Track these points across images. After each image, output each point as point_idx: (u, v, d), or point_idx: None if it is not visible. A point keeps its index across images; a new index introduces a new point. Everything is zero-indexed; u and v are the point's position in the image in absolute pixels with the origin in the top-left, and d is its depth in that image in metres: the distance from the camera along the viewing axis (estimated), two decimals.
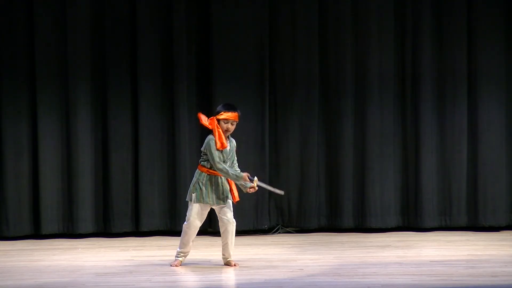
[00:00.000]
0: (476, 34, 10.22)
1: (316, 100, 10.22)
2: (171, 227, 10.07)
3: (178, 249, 7.95)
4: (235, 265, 7.89)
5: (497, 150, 10.25)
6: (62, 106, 10.05)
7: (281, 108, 10.26)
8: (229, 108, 7.82)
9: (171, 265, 7.92)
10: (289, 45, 10.22)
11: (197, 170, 7.85)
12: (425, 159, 10.21)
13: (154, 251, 9.05)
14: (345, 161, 10.23)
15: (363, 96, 10.24)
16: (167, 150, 10.14)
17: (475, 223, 10.25)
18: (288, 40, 10.22)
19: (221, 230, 7.89)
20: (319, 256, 8.56)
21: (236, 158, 7.93)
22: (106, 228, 10.11)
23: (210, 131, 7.83)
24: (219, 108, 7.85)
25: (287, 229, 10.30)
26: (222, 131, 7.76)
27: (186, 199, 7.91)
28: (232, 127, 7.82)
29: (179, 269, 7.83)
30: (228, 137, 7.86)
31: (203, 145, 7.81)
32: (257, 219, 10.16)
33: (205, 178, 7.77)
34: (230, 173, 7.69)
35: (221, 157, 7.72)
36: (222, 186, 7.79)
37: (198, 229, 7.87)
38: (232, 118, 7.79)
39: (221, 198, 7.78)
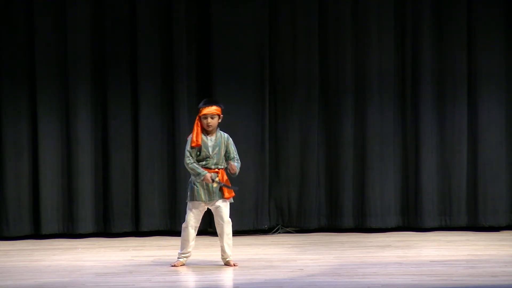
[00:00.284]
0: (476, 34, 10.22)
1: (316, 100, 10.22)
2: (171, 227, 10.07)
3: (179, 251, 7.95)
4: (234, 265, 7.89)
5: (497, 150, 10.25)
6: (62, 106, 10.06)
7: (281, 108, 10.25)
8: (205, 103, 7.84)
9: (171, 265, 7.92)
10: (289, 45, 10.22)
11: None
12: (425, 159, 10.21)
13: (154, 251, 9.05)
14: (345, 161, 10.23)
15: (363, 96, 10.24)
16: (167, 150, 10.14)
17: (475, 223, 10.25)
18: (288, 40, 10.22)
19: (218, 231, 7.89)
20: (319, 256, 8.56)
21: (234, 152, 7.87)
22: (106, 228, 10.11)
23: None
24: (199, 105, 7.88)
25: (287, 229, 10.30)
26: (200, 129, 7.75)
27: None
28: (213, 121, 7.79)
29: (179, 269, 7.83)
30: (215, 132, 7.82)
31: None
32: (257, 219, 10.16)
33: (195, 177, 7.80)
34: (193, 170, 7.71)
35: (193, 154, 7.74)
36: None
37: (195, 228, 7.86)
38: (210, 113, 7.77)
39: (213, 195, 7.77)
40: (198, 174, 7.73)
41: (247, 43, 10.14)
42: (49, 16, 9.99)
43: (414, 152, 10.26)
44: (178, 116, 10.09)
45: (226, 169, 7.89)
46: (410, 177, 10.28)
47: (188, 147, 7.80)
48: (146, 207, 10.09)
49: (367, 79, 10.22)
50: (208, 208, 7.90)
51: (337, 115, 10.25)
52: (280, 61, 10.24)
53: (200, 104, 7.86)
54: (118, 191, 10.10)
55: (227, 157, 7.87)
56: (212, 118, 7.78)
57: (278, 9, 10.22)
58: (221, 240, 7.87)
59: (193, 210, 7.82)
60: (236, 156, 7.90)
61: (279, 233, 10.25)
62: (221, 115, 7.86)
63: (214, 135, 7.83)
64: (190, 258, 7.98)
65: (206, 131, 7.82)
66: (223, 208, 7.83)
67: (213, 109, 7.79)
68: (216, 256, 8.11)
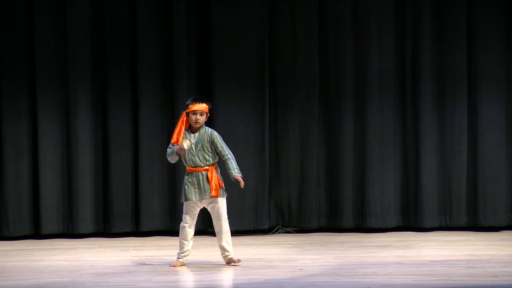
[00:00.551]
0: (476, 34, 10.21)
1: (316, 100, 10.22)
2: (171, 227, 10.07)
3: (178, 251, 7.96)
4: (238, 260, 7.88)
5: (497, 150, 10.25)
6: (62, 106, 10.06)
7: (281, 108, 10.25)
8: (195, 100, 7.85)
9: (171, 266, 7.92)
10: (289, 45, 10.22)
11: (186, 171, 7.90)
12: (425, 159, 10.21)
13: (154, 251, 9.05)
14: (345, 161, 10.23)
15: (363, 96, 10.24)
16: (167, 150, 10.11)
17: (475, 223, 10.25)
18: (288, 40, 10.22)
19: (216, 230, 7.90)
20: (319, 256, 8.56)
21: (222, 147, 7.79)
22: (106, 228, 10.12)
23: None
24: (187, 102, 7.88)
25: (287, 229, 10.30)
26: (184, 127, 7.76)
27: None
28: (201, 118, 7.79)
29: (179, 269, 7.83)
30: (199, 129, 7.80)
31: None
32: (257, 219, 10.16)
33: (186, 176, 7.82)
34: (169, 155, 7.84)
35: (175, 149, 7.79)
36: (203, 181, 7.78)
37: (192, 228, 7.86)
38: (200, 109, 7.78)
39: (203, 193, 7.76)
40: (172, 153, 7.78)
41: (247, 43, 10.14)
42: (49, 16, 10.00)
43: (414, 152, 10.26)
44: (178, 116, 10.03)
45: (217, 168, 7.87)
46: (410, 177, 10.28)
47: (170, 145, 7.83)
48: (146, 207, 10.09)
49: (367, 79, 10.22)
50: (204, 207, 7.91)
51: (337, 115, 10.25)
52: (280, 61, 10.24)
53: (189, 101, 7.86)
54: (118, 191, 10.10)
55: (218, 153, 7.86)
56: (201, 115, 7.80)
57: (278, 9, 10.22)
58: (220, 239, 7.86)
59: (187, 210, 7.84)
60: (227, 151, 7.84)
61: (279, 233, 10.25)
62: (208, 114, 7.87)
63: (198, 131, 7.83)
64: (190, 258, 7.98)
65: (191, 129, 7.82)
66: (219, 206, 7.82)
67: (203, 106, 7.80)
68: (216, 256, 8.11)
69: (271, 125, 10.21)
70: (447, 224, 10.26)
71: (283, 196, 10.28)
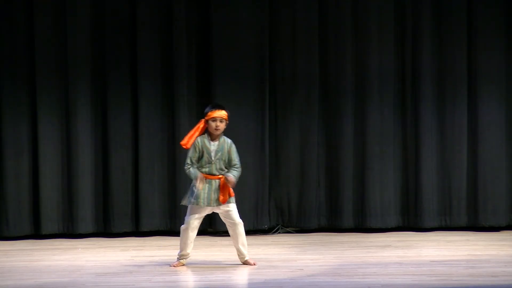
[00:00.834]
0: (476, 34, 10.21)
1: (316, 100, 10.22)
2: (171, 227, 10.06)
3: (178, 252, 7.95)
4: (254, 264, 7.89)
5: (497, 150, 10.25)
6: (62, 106, 10.05)
7: (281, 108, 10.25)
8: (215, 107, 7.85)
9: (170, 266, 7.92)
10: (289, 45, 10.21)
11: None
12: (425, 159, 10.21)
13: (154, 251, 9.05)
14: (345, 161, 10.23)
15: (363, 96, 10.24)
16: (167, 150, 10.14)
17: (475, 223, 10.25)
18: (288, 40, 10.21)
19: (231, 234, 7.91)
20: (319, 256, 8.56)
21: (235, 160, 7.86)
22: (106, 228, 10.11)
23: None
24: (206, 109, 7.86)
25: (287, 229, 10.30)
26: (199, 133, 7.76)
27: (181, 203, 7.94)
28: (221, 125, 7.80)
29: (179, 269, 7.83)
30: (219, 137, 7.82)
31: None
32: (257, 219, 10.16)
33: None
34: (189, 173, 7.75)
35: (194, 158, 7.74)
36: (215, 188, 7.76)
37: (195, 231, 7.85)
38: (220, 116, 7.78)
39: (213, 199, 7.76)
40: (193, 176, 7.73)
41: (247, 43, 10.14)
42: (49, 16, 9.99)
43: (414, 152, 10.26)
44: (178, 116, 10.09)
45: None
46: (410, 177, 10.28)
47: (190, 153, 7.79)
48: (146, 207, 10.08)
49: (367, 79, 10.22)
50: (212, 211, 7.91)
51: (337, 115, 10.25)
52: (280, 61, 10.24)
53: (208, 108, 7.84)
54: (118, 191, 10.10)
55: (229, 164, 7.85)
56: (221, 122, 7.79)
57: (278, 9, 10.22)
58: (236, 242, 7.87)
59: (195, 214, 7.81)
60: (238, 163, 7.88)
61: (279, 233, 10.25)
62: (228, 121, 7.87)
63: (218, 140, 7.83)
64: (190, 258, 7.98)
65: (211, 136, 7.81)
66: (232, 211, 7.84)
67: (223, 113, 7.81)
68: (216, 256, 8.12)
69: (271, 125, 10.21)
70: (447, 224, 10.26)
71: (283, 196, 10.28)
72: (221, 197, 7.75)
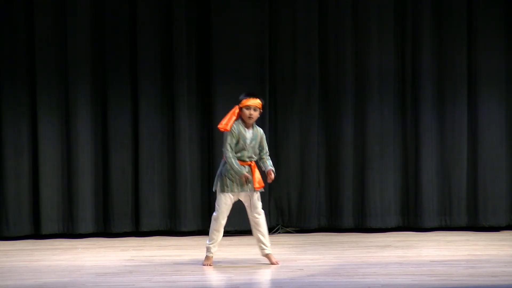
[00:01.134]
0: (476, 34, 10.22)
1: (316, 100, 10.22)
2: (171, 227, 10.07)
3: (208, 242, 7.90)
4: (276, 262, 7.90)
5: (497, 150, 10.25)
6: (62, 106, 10.06)
7: (281, 108, 10.25)
8: (248, 95, 7.86)
9: (203, 264, 7.88)
10: (289, 45, 10.22)
11: (222, 160, 7.88)
12: (425, 159, 10.21)
13: (154, 251, 9.05)
14: (345, 161, 10.23)
15: (363, 96, 10.24)
16: (167, 150, 10.14)
17: (475, 223, 10.25)
18: (288, 40, 10.22)
19: (252, 223, 7.90)
20: (319, 256, 8.55)
21: (266, 147, 7.91)
22: (106, 228, 10.11)
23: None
24: (240, 97, 7.87)
25: (287, 229, 10.30)
26: (235, 119, 7.76)
27: (213, 189, 7.92)
28: (255, 113, 7.81)
29: (179, 269, 7.82)
30: (253, 126, 7.85)
31: None
32: None
33: (227, 168, 7.78)
34: (232, 164, 7.70)
35: (233, 145, 7.74)
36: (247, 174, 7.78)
37: (225, 220, 7.85)
38: (254, 105, 7.80)
39: (245, 186, 7.77)
40: (236, 171, 7.71)
41: (247, 43, 10.14)
42: (49, 16, 9.99)
43: (414, 152, 10.27)
44: (178, 116, 10.09)
45: (259, 167, 7.88)
46: (410, 177, 10.28)
47: (228, 140, 7.76)
48: (146, 207, 10.09)
49: (367, 79, 10.22)
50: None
51: (337, 115, 10.25)
52: (280, 61, 10.24)
53: (242, 96, 7.85)
54: (118, 191, 10.10)
55: (260, 151, 7.88)
56: (255, 110, 7.81)
57: (278, 9, 10.22)
58: (256, 233, 7.89)
59: (225, 201, 7.80)
60: (267, 150, 7.94)
61: (279, 233, 10.25)
62: (261, 110, 7.90)
63: (251, 128, 7.85)
64: (191, 257, 7.98)
65: (244, 123, 7.82)
66: (257, 200, 7.86)
67: (257, 102, 7.83)
68: (217, 256, 8.10)
69: (271, 125, 10.21)
70: (447, 224, 10.26)
71: (283, 196, 10.29)
72: (256, 184, 7.77)
